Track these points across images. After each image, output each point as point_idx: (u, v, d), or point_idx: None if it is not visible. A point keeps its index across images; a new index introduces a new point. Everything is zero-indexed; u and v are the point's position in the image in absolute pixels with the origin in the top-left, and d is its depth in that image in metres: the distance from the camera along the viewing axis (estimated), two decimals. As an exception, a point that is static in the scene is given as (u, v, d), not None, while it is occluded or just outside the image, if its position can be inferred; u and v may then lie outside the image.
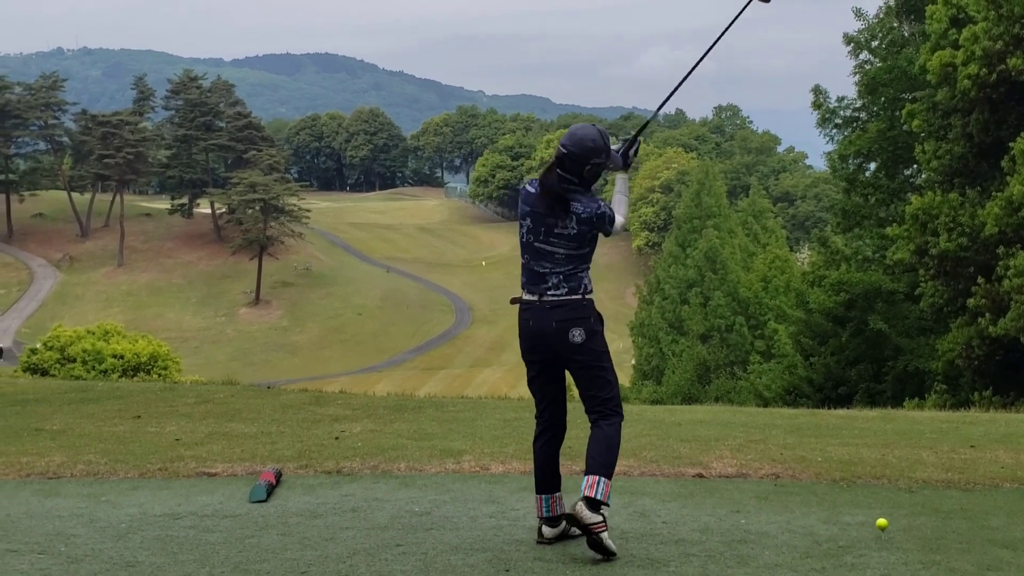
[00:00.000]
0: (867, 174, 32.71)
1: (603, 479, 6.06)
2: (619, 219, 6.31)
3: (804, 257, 73.71)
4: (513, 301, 6.40)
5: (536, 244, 6.20)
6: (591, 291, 6.27)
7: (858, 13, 33.06)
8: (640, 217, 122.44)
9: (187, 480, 8.27)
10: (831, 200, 58.58)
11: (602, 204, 6.17)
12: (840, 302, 29.12)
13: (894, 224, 26.36)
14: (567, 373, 6.41)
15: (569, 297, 6.17)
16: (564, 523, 6.43)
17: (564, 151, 6.14)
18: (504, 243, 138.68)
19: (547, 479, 6.44)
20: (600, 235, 6.25)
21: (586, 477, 6.08)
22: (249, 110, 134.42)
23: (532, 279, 6.24)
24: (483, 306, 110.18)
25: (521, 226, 6.30)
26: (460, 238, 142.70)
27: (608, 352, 6.32)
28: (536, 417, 6.54)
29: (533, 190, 6.25)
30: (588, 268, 6.27)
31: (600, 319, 6.31)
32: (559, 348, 6.19)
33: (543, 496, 6.42)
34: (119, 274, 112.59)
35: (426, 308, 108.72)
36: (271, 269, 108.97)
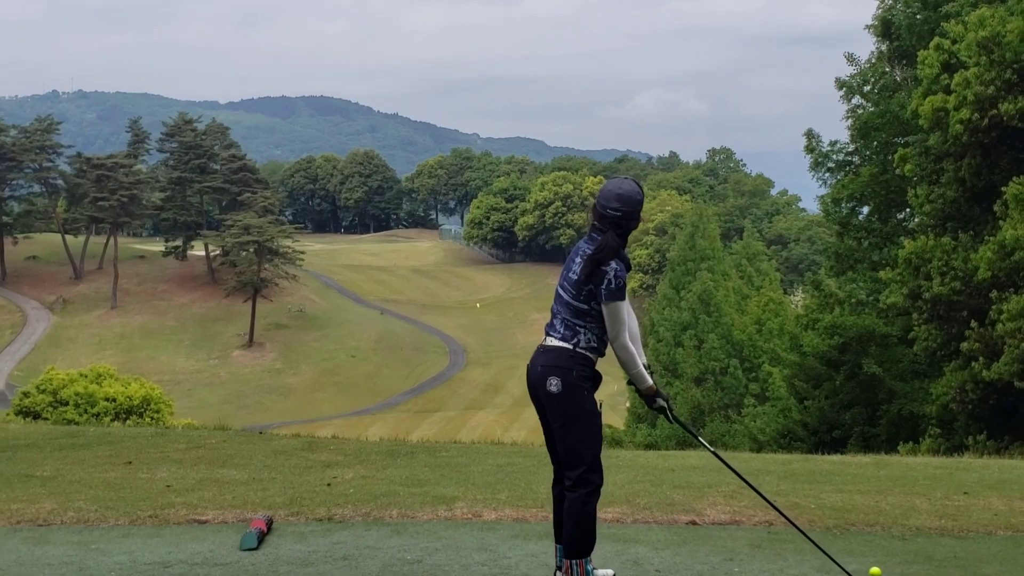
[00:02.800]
0: (860, 218, 32.77)
1: (575, 563, 6.08)
2: (624, 338, 6.04)
3: (798, 300, 73.71)
4: None
5: (558, 286, 6.17)
6: (589, 347, 6.05)
7: (850, 58, 33.26)
8: (634, 259, 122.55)
9: (177, 527, 8.23)
10: (824, 243, 58.67)
11: (614, 265, 5.94)
12: (834, 345, 29.12)
13: (887, 268, 26.38)
14: None
15: (559, 344, 6.07)
16: None
17: (618, 214, 6.02)
18: (498, 285, 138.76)
19: (560, 528, 6.36)
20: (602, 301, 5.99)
21: (561, 560, 6.17)
22: (244, 152, 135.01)
23: (549, 324, 6.23)
24: (477, 348, 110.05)
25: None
26: (454, 280, 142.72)
27: (590, 415, 6.07)
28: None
29: (586, 244, 6.13)
30: (592, 327, 6.04)
31: (592, 378, 6.11)
32: (541, 394, 6.12)
33: (558, 546, 6.36)
34: (112, 316, 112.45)
35: (420, 350, 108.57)
36: (265, 311, 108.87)
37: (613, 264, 5.94)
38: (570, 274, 6.09)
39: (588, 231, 6.16)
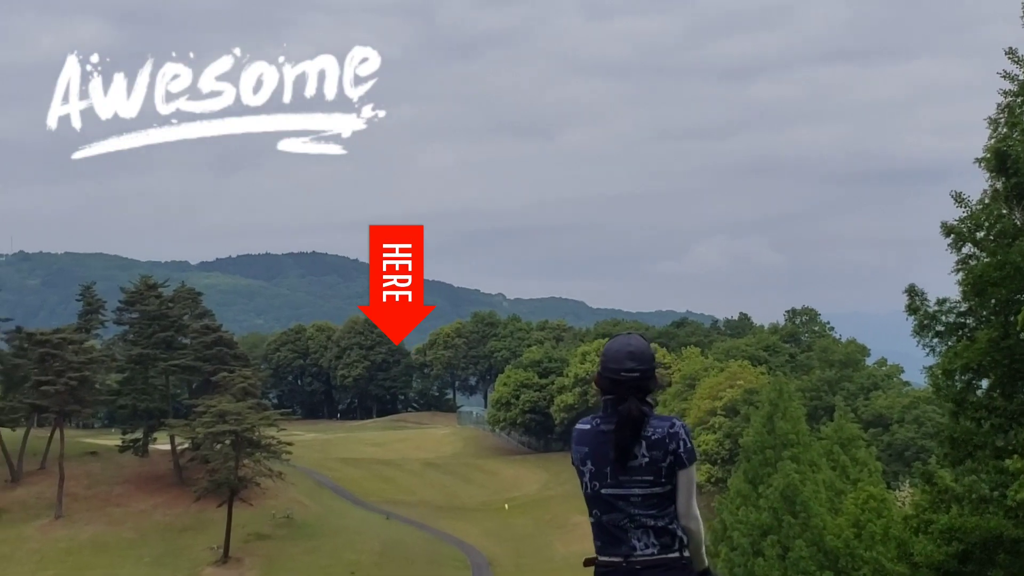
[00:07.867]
0: (979, 393, 32.60)
1: None
2: (699, 524, 6.20)
3: (905, 496, 73.01)
4: (588, 563, 6.31)
5: (604, 491, 6.13)
6: (688, 546, 6.15)
7: (958, 198, 33.45)
8: (699, 446, 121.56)
9: None
10: (935, 425, 58.59)
11: (676, 423, 6.17)
12: (952, 554, 28.72)
13: (1015, 456, 26.18)
14: None
15: (665, 556, 6.10)
16: None
17: (636, 374, 6.22)
18: (531, 480, 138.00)
19: None
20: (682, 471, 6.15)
21: None
22: (219, 323, 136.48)
23: (609, 538, 6.14)
24: (506, 560, 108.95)
25: (582, 474, 6.22)
26: (477, 475, 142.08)
27: None
28: None
29: (590, 427, 6.22)
30: (678, 515, 6.13)
31: None
32: None
33: None
34: (57, 528, 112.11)
35: (435, 563, 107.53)
36: (244, 518, 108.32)
37: (675, 420, 6.22)
38: (631, 462, 6.15)
39: (600, 408, 6.33)
